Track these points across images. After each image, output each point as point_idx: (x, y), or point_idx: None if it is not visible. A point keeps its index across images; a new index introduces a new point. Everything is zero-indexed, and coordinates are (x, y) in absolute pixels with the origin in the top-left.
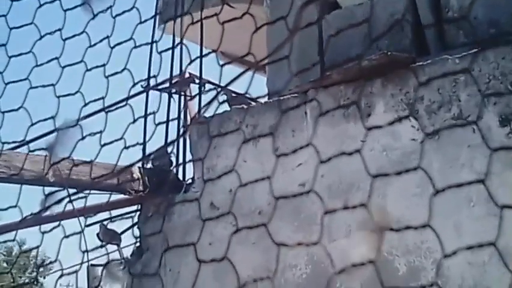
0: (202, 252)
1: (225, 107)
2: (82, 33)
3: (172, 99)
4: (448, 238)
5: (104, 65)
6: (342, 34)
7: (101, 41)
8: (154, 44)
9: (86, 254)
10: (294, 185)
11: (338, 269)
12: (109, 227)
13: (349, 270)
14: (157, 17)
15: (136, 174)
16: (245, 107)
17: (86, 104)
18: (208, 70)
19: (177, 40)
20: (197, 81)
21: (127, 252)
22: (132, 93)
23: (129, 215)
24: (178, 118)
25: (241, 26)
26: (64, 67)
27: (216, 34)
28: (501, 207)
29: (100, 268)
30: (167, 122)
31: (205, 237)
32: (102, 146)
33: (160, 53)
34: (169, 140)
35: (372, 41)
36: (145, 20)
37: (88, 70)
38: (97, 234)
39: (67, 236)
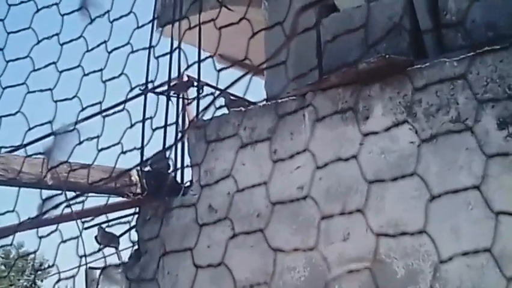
0: (200, 256)
1: (223, 109)
2: (79, 37)
3: (170, 102)
4: (446, 241)
5: (101, 70)
6: (340, 37)
7: (98, 45)
8: (152, 48)
9: (84, 258)
10: (292, 188)
11: (336, 272)
12: (107, 230)
13: (344, 272)
14: (155, 20)
15: (134, 177)
16: (243, 109)
17: (83, 109)
18: (207, 72)
19: (175, 43)
20: (195, 84)
21: (125, 255)
22: (130, 96)
23: (127, 218)
24: (176, 121)
25: (239, 28)
26: (61, 72)
27: (213, 37)
28: (496, 213)
29: (98, 271)
30: (165, 125)
31: (203, 241)
32: (99, 150)
33: (157, 57)
34: (167, 142)
35: (370, 46)
36: (143, 25)
37: (85, 75)
38: (95, 237)
39: (64, 241)
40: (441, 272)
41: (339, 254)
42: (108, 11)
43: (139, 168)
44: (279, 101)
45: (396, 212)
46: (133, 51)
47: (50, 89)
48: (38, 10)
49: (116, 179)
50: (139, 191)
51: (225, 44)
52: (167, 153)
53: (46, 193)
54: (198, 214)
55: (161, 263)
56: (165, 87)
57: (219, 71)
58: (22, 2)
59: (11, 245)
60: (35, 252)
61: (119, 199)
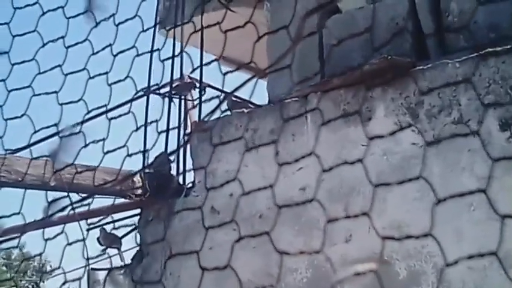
0: (203, 257)
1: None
2: (84, 41)
3: (172, 104)
4: (449, 244)
5: (107, 73)
6: (341, 38)
7: (103, 48)
8: (158, 50)
9: (87, 259)
10: (294, 190)
11: (338, 273)
12: (109, 231)
13: (349, 275)
14: (158, 22)
15: (137, 179)
16: (245, 111)
17: (89, 112)
18: (209, 72)
19: (178, 44)
20: (197, 85)
21: (128, 256)
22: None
23: (132, 220)
24: (179, 123)
25: (241, 30)
26: (66, 75)
27: (216, 38)
28: (502, 216)
29: (100, 272)
30: (167, 126)
31: (206, 242)
32: (105, 153)
33: (163, 61)
34: (169, 143)
35: (376, 49)
36: (148, 29)
37: (90, 78)
38: (97, 239)
39: (70, 244)
40: (444, 274)
41: (341, 255)
42: (113, 14)
43: (140, 169)
44: (282, 102)
45: (399, 214)
46: (138, 55)
47: (55, 92)
48: (43, 13)
49: (121, 182)
50: (141, 192)
51: (228, 46)
52: (169, 154)
53: (51, 196)
54: (200, 216)
55: (164, 264)
56: (167, 89)
57: (225, 74)
58: (28, 5)
59: (16, 247)
60: (40, 254)
61: (121, 200)
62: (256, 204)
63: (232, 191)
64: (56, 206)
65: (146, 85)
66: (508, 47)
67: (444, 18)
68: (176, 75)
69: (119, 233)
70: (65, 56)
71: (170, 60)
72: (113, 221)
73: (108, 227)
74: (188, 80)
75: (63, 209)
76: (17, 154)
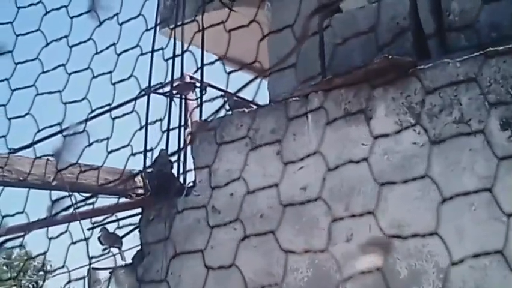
0: (204, 256)
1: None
2: (88, 40)
3: (173, 103)
4: (451, 243)
5: (110, 72)
6: (343, 38)
7: (107, 48)
8: (159, 50)
9: (89, 259)
10: (295, 189)
11: (343, 272)
12: (112, 230)
13: (354, 273)
14: (159, 21)
15: (138, 178)
16: (246, 110)
17: (92, 111)
18: (208, 72)
19: (178, 43)
20: (198, 84)
21: (128, 256)
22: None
23: (132, 219)
24: (180, 122)
25: (242, 30)
26: (70, 74)
27: (216, 38)
28: (508, 215)
29: (101, 272)
30: (168, 126)
31: (207, 241)
32: (109, 152)
33: (166, 60)
34: (170, 142)
35: (379, 49)
36: (151, 28)
37: (94, 77)
38: (98, 238)
39: (74, 243)
40: (448, 274)
41: (342, 254)
42: (117, 14)
43: (142, 169)
44: (283, 101)
45: (399, 213)
46: (142, 54)
47: (59, 91)
48: (47, 12)
49: (124, 182)
50: (142, 191)
51: (226, 44)
52: (170, 153)
53: (54, 195)
54: (202, 215)
55: (165, 264)
56: (168, 88)
57: (229, 73)
58: (31, 5)
59: (20, 246)
60: (44, 253)
61: (122, 200)
62: (257, 203)
63: (233, 191)
64: (59, 205)
65: (150, 84)
66: (510, 46)
67: (445, 17)
68: (178, 74)
69: (122, 232)
70: (69, 55)
71: (170, 60)
72: (115, 220)
73: (110, 227)
74: (189, 80)
75: (66, 209)
76: (18, 153)
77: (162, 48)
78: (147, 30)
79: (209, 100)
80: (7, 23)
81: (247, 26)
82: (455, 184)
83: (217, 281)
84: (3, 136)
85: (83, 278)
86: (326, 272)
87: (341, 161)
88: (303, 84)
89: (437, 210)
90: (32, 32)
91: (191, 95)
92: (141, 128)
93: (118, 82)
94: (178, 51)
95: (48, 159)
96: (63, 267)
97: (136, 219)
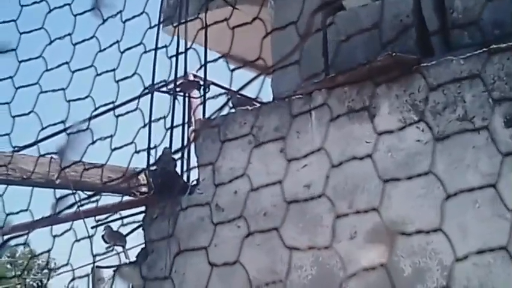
0: (205, 254)
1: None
2: (91, 38)
3: (177, 101)
4: (454, 240)
5: (114, 70)
6: (346, 35)
7: (111, 45)
8: (163, 48)
9: (93, 257)
10: (299, 187)
11: (343, 271)
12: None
13: (358, 270)
14: (162, 19)
15: (141, 176)
16: (249, 108)
17: (96, 109)
18: (211, 69)
19: (181, 41)
20: (201, 82)
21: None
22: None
23: (136, 217)
24: (183, 120)
25: (244, 27)
26: (74, 72)
27: (219, 35)
28: None
29: (105, 270)
30: (171, 124)
31: (211, 239)
32: (112, 150)
33: (170, 57)
34: (173, 139)
35: (384, 46)
36: (155, 25)
37: (98, 75)
38: (102, 236)
39: (78, 240)
40: (448, 271)
41: (346, 252)
42: (120, 11)
43: (145, 167)
44: (286, 99)
45: (403, 210)
46: (146, 51)
47: (63, 89)
48: (50, 10)
49: (128, 180)
50: (146, 189)
51: (230, 42)
52: (173, 151)
53: (58, 193)
54: (205, 213)
55: (169, 261)
56: (171, 86)
57: (232, 70)
58: (35, 3)
59: (24, 244)
60: (49, 251)
61: (126, 198)
62: (261, 201)
63: (237, 188)
64: (63, 203)
65: (153, 82)
66: None
67: (448, 15)
68: (181, 72)
69: (125, 230)
70: (72, 53)
71: (174, 58)
72: (119, 219)
73: (114, 225)
74: (192, 78)
75: (70, 207)
76: (22, 152)
77: (166, 46)
78: (150, 27)
79: (212, 97)
80: (11, 21)
81: (250, 23)
82: (458, 181)
83: (221, 278)
84: (7, 134)
85: (87, 275)
86: (329, 270)
87: (344, 159)
88: (307, 81)
89: (441, 207)
90: (36, 30)
91: (194, 93)
92: (145, 126)
93: (122, 80)
94: (182, 49)
95: (51, 158)
96: (67, 265)
97: (140, 217)
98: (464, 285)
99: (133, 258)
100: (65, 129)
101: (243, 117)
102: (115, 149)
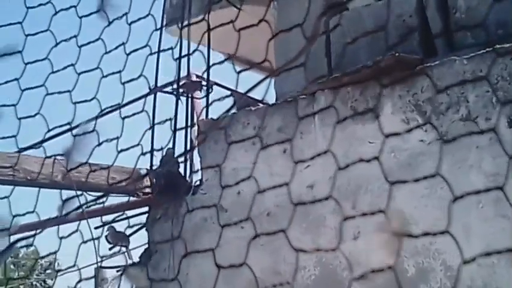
0: (210, 255)
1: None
2: (97, 39)
3: (180, 102)
4: (458, 241)
5: (120, 72)
6: (349, 36)
7: (116, 47)
8: (169, 50)
9: (97, 257)
10: (302, 187)
11: (347, 271)
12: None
13: (362, 274)
14: (166, 19)
15: (146, 178)
16: (252, 109)
17: (102, 110)
18: (216, 70)
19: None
20: (204, 83)
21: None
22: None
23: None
24: (186, 121)
25: (247, 28)
26: (80, 74)
27: (222, 36)
28: None
29: (108, 270)
30: (175, 124)
31: (214, 240)
32: (119, 152)
33: (176, 59)
34: (176, 140)
35: (388, 49)
36: (161, 27)
37: (104, 77)
38: (106, 237)
39: (84, 242)
40: (452, 271)
41: (349, 253)
42: (126, 14)
43: (148, 167)
44: (289, 100)
45: (407, 211)
46: (151, 53)
47: (69, 91)
48: (56, 12)
49: (136, 181)
50: (149, 190)
51: (232, 43)
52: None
53: (63, 195)
54: (208, 214)
55: (172, 262)
56: (174, 86)
57: (239, 72)
58: (40, 5)
59: (31, 245)
60: (55, 252)
61: (129, 199)
62: (264, 202)
63: (240, 189)
64: (69, 204)
65: (160, 83)
66: None
67: (452, 15)
68: (185, 73)
69: (130, 231)
70: (78, 55)
71: (176, 59)
72: (125, 218)
73: (117, 225)
74: (195, 78)
75: (78, 208)
76: (25, 153)
77: (172, 48)
78: (156, 30)
79: (218, 99)
80: (17, 23)
81: (256, 25)
82: (462, 181)
83: (224, 279)
84: (14, 136)
85: (93, 277)
86: (333, 271)
87: (347, 159)
88: (312, 83)
89: (448, 208)
90: (42, 32)
91: (198, 94)
92: (151, 127)
93: (128, 82)
94: (184, 49)
95: (55, 159)
96: (74, 266)
97: (143, 218)
98: (467, 286)
99: (136, 259)
100: (67, 131)
101: (246, 117)
102: (122, 150)
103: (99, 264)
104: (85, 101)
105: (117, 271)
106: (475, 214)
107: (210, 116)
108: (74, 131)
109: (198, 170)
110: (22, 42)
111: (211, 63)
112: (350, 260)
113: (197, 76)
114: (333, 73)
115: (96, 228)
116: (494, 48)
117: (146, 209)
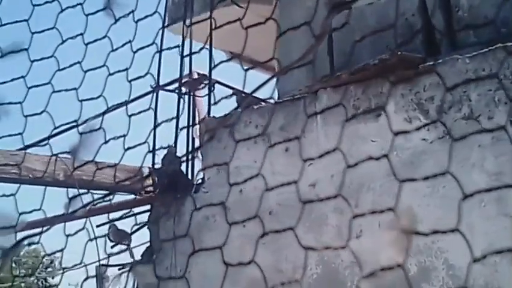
0: (213, 253)
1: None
2: (104, 37)
3: (182, 100)
4: (462, 240)
5: (126, 69)
6: (352, 34)
7: (123, 45)
8: (175, 48)
9: (106, 255)
10: (304, 185)
11: (349, 270)
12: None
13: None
14: (168, 18)
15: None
16: (255, 107)
17: (108, 108)
18: (218, 68)
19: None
20: (206, 81)
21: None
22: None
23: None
24: (188, 119)
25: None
26: (86, 71)
27: (224, 34)
28: None
29: (109, 268)
30: (177, 122)
31: (216, 239)
32: (126, 150)
33: (184, 57)
34: (179, 138)
35: (396, 47)
36: (168, 25)
37: (110, 74)
38: (107, 235)
39: (91, 240)
40: (454, 270)
41: (352, 251)
42: (132, 11)
43: (150, 165)
44: (291, 98)
45: (411, 209)
46: (158, 51)
47: (75, 89)
48: (62, 10)
49: (142, 180)
50: (151, 188)
51: (234, 42)
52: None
53: (67, 192)
54: (210, 212)
55: (174, 260)
56: (176, 85)
57: (246, 70)
58: (47, 2)
59: (37, 242)
60: (62, 250)
61: (131, 197)
62: (267, 200)
63: (242, 187)
64: (75, 203)
65: (165, 81)
66: None
67: (454, 13)
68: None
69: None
70: (85, 53)
71: (175, 55)
72: (129, 216)
73: (122, 223)
74: (197, 76)
75: (85, 206)
76: (28, 150)
77: (178, 46)
78: (164, 27)
79: (225, 97)
80: (23, 20)
81: (264, 23)
82: (464, 180)
83: (226, 278)
84: (20, 133)
85: (97, 275)
86: (335, 269)
87: (350, 158)
88: (314, 81)
89: (458, 206)
90: (48, 29)
91: (200, 92)
92: (158, 125)
93: (134, 79)
94: (187, 47)
95: (57, 157)
96: (80, 263)
97: (145, 216)
98: (469, 284)
99: (138, 257)
100: (73, 127)
101: (248, 116)
102: (129, 148)
103: (101, 262)
104: (92, 98)
105: (118, 269)
106: (477, 213)
107: (212, 115)
108: (81, 129)
109: (205, 168)
110: (28, 40)
111: (219, 62)
112: (352, 258)
113: (199, 74)
114: (335, 71)
115: (98, 226)
116: (505, 46)
117: (148, 207)
